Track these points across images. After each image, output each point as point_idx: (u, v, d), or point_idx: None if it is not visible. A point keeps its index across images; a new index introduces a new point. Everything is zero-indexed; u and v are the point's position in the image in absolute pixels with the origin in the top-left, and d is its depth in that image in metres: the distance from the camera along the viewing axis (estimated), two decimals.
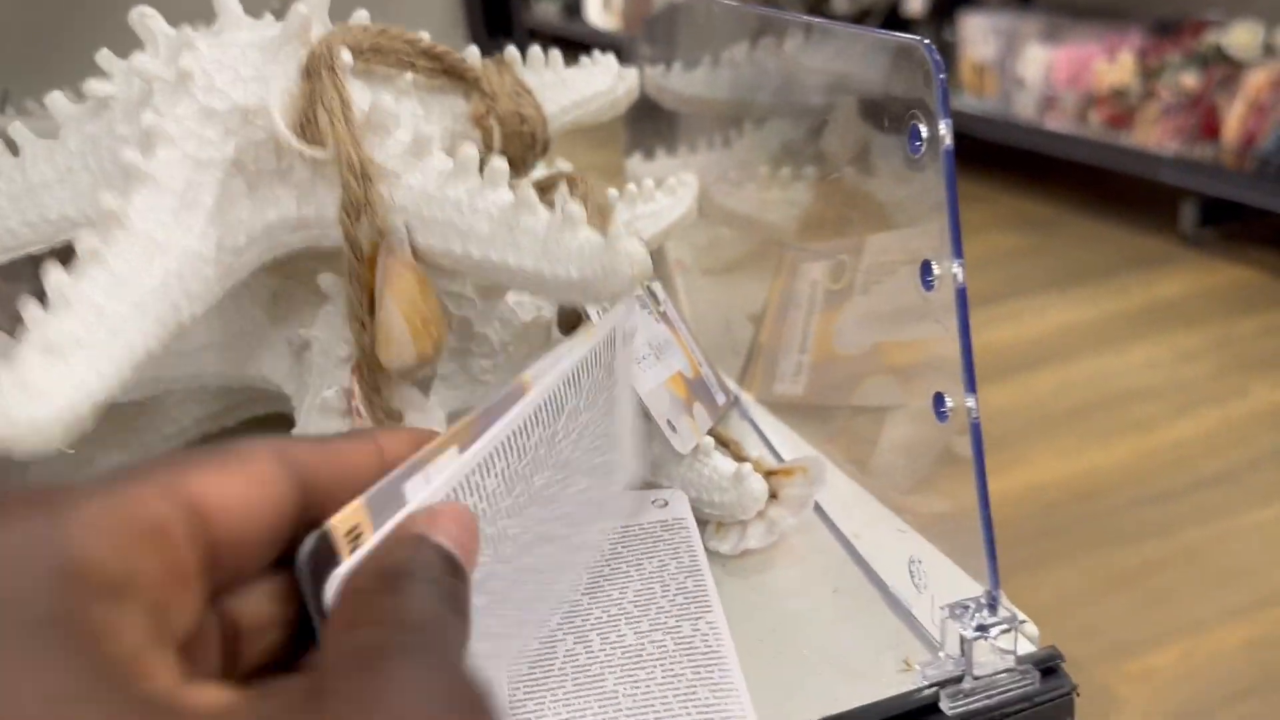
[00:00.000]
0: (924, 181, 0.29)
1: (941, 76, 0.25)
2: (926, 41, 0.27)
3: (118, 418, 0.38)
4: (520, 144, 0.35)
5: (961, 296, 0.26)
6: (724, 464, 0.33)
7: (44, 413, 0.25)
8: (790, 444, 0.40)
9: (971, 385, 0.26)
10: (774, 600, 0.31)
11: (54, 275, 0.27)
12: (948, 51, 2.68)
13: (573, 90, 0.39)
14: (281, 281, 0.35)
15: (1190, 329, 1.87)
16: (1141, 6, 2.36)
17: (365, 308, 0.31)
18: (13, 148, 0.34)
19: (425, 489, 0.21)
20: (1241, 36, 2.05)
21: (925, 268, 0.27)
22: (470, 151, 0.30)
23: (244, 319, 0.36)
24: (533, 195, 0.30)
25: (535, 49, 0.39)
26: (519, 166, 0.35)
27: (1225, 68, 2.07)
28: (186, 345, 0.35)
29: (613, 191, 0.42)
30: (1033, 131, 2.39)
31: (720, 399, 0.38)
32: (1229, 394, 1.66)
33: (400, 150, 0.31)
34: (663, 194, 0.42)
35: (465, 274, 0.32)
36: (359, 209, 0.30)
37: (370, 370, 0.32)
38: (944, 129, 0.26)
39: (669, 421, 0.31)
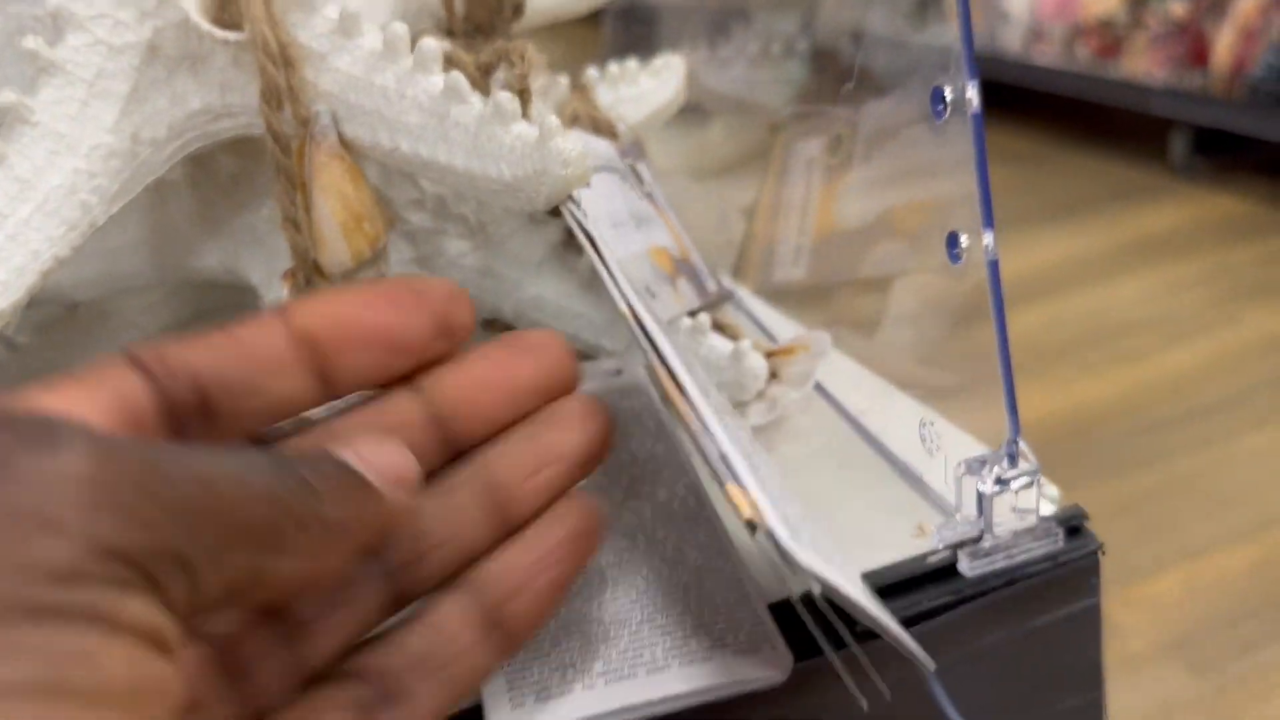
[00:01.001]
0: (928, 41, 0.26)
1: None
2: None
3: (78, 323, 0.36)
4: (485, 6, 0.32)
5: (977, 123, 0.24)
6: (720, 343, 0.31)
7: None
8: (790, 332, 0.38)
9: (989, 220, 0.24)
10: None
11: None
12: None
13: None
14: (240, 162, 0.32)
15: (1182, 260, 1.85)
16: None
17: (300, 206, 0.28)
18: None
19: None
20: None
21: (936, 94, 0.24)
22: (398, 28, 0.27)
23: (181, 209, 0.33)
24: (463, 82, 0.27)
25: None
26: (487, 33, 0.33)
27: None
28: (110, 243, 0.32)
29: (593, 70, 0.39)
30: (1019, 66, 2.36)
31: (711, 286, 0.35)
32: (1222, 323, 1.64)
33: (327, 28, 0.28)
34: (647, 75, 0.40)
35: (399, 169, 0.29)
36: (279, 96, 0.27)
37: (307, 278, 0.29)
38: (971, 89, 0.24)
39: (647, 287, 0.29)
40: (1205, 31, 2.03)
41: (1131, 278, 1.80)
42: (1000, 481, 0.25)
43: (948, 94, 0.24)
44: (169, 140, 0.29)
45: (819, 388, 0.34)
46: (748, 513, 0.19)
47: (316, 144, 0.28)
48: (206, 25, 0.28)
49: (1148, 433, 1.40)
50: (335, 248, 0.28)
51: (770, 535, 0.18)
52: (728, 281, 0.40)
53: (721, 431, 0.20)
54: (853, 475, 0.30)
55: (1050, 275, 1.84)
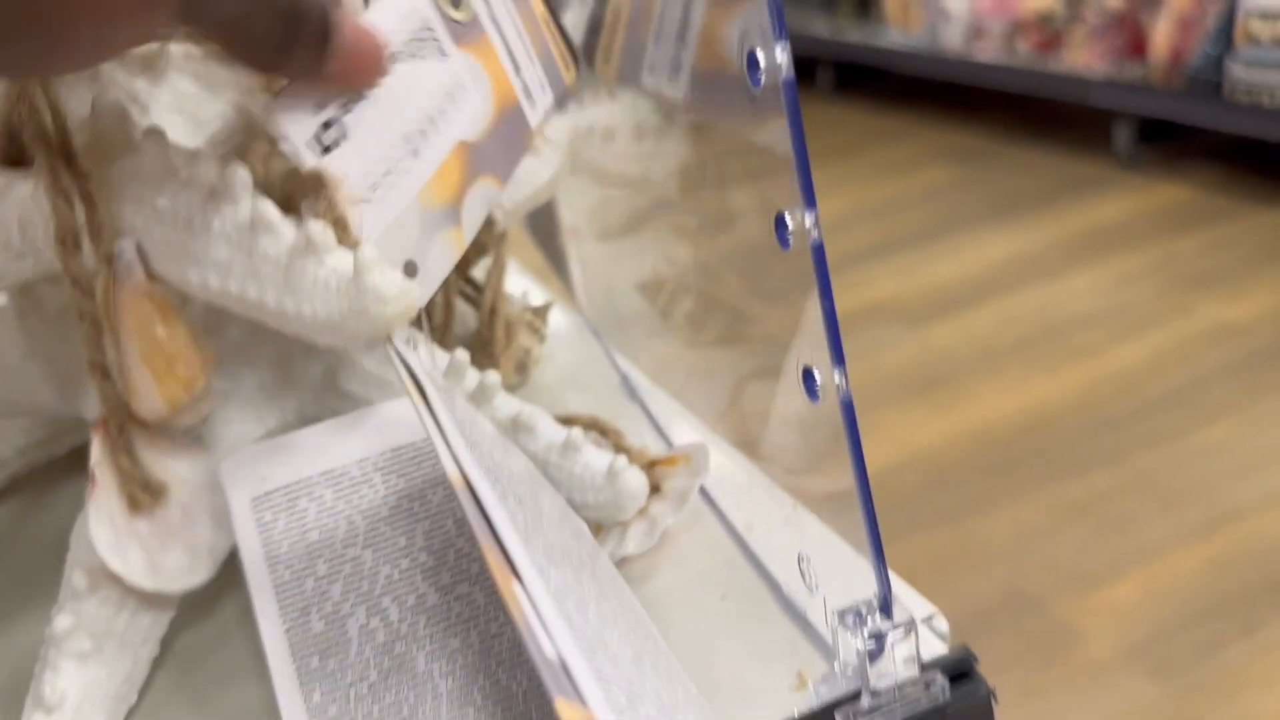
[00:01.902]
0: (769, 118, 0.23)
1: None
2: None
3: None
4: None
5: (818, 254, 0.21)
6: (596, 459, 0.28)
7: None
8: (679, 425, 0.34)
9: (839, 357, 0.21)
10: (657, 615, 0.26)
11: None
12: None
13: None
14: (64, 294, 0.29)
15: (1130, 252, 1.84)
16: None
17: (110, 349, 0.25)
18: None
19: None
20: None
21: (779, 221, 0.21)
22: (199, 152, 0.24)
23: (10, 342, 0.29)
24: (271, 210, 0.23)
25: None
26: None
27: None
28: None
29: None
30: (960, 63, 2.35)
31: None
32: (1172, 314, 1.63)
33: (135, 166, 0.25)
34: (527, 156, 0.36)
35: (213, 304, 0.26)
36: (75, 235, 0.24)
37: (121, 428, 0.25)
38: (780, 54, 0.21)
39: (407, 263, 0.24)
40: (1143, 23, 2.03)
41: (1081, 271, 1.79)
42: (876, 636, 0.22)
43: (761, 59, 0.22)
44: None
45: (704, 493, 0.31)
46: None
47: (120, 283, 0.24)
48: None
49: (1102, 431, 1.39)
50: (147, 395, 0.25)
51: None
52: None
53: (564, 629, 0.17)
54: (735, 608, 0.28)
55: (1000, 273, 1.82)
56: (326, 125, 0.23)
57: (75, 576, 0.26)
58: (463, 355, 0.29)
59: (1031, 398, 1.48)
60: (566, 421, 0.30)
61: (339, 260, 0.22)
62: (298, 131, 0.23)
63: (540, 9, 0.30)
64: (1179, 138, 2.14)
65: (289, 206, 0.24)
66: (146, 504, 0.26)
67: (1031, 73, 2.22)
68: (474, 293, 0.40)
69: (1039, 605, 1.13)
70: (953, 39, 2.36)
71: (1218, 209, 1.95)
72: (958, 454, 1.38)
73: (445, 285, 0.36)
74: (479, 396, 0.29)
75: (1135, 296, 1.70)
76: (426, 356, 0.25)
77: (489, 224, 0.37)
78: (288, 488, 0.26)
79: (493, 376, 0.29)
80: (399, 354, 0.22)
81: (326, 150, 0.23)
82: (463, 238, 0.26)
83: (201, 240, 0.24)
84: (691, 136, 0.33)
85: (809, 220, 0.22)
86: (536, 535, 0.20)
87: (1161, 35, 1.98)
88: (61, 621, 0.25)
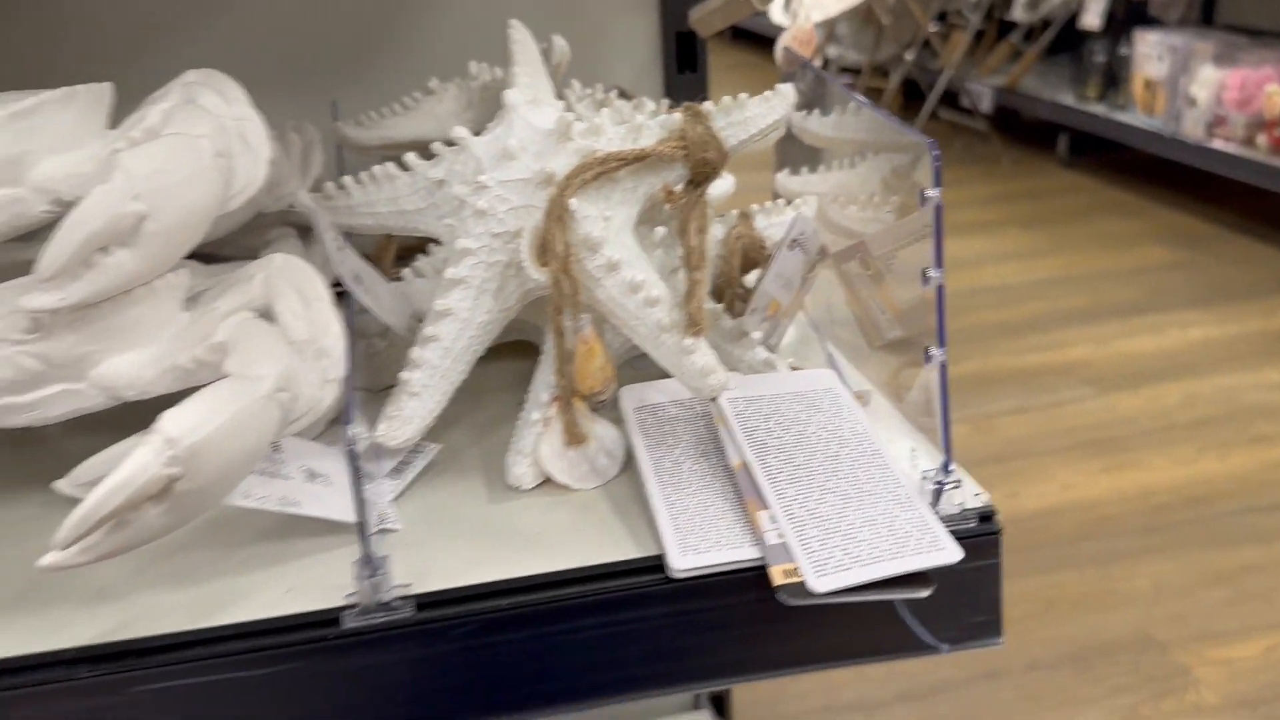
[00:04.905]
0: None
1: (937, 164, 0.43)
2: (930, 140, 0.44)
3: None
4: (703, 173, 0.52)
5: (940, 293, 0.44)
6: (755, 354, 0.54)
7: (406, 432, 0.49)
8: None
9: (942, 341, 0.43)
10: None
11: (414, 352, 0.50)
12: (1122, 66, 2.72)
13: (752, 126, 0.53)
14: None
15: None
16: None
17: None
18: (401, 165, 0.54)
19: None
20: None
21: (923, 274, 0.44)
22: (654, 290, 0.49)
23: None
24: (677, 338, 0.48)
25: (726, 98, 0.55)
26: (701, 184, 0.53)
27: None
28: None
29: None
30: (1198, 149, 2.43)
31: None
32: None
33: (598, 266, 0.49)
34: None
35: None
36: (562, 306, 0.49)
37: (568, 399, 0.51)
38: (933, 194, 0.43)
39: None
40: None
41: (1274, 365, 1.87)
42: (938, 484, 0.44)
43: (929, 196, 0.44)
44: (493, 322, 0.52)
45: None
46: (780, 580, 0.40)
47: (581, 333, 0.50)
48: (529, 263, 0.49)
49: (1259, 512, 1.50)
50: (583, 384, 0.50)
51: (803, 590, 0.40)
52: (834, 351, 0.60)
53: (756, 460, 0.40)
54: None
55: (1195, 354, 1.93)
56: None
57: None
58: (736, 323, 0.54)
59: (1199, 472, 1.60)
60: None
61: (701, 359, 0.47)
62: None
63: None
64: None
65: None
66: (575, 443, 0.51)
67: (1267, 167, 2.28)
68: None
69: (1162, 649, 1.28)
70: (1194, 126, 2.44)
71: None
72: (1116, 510, 1.53)
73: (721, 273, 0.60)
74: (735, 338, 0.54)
75: None
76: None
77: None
78: (655, 405, 0.51)
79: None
80: (718, 407, 0.47)
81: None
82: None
83: (632, 323, 0.48)
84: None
85: (938, 274, 0.44)
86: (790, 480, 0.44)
87: None
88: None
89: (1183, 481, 1.58)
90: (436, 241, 0.62)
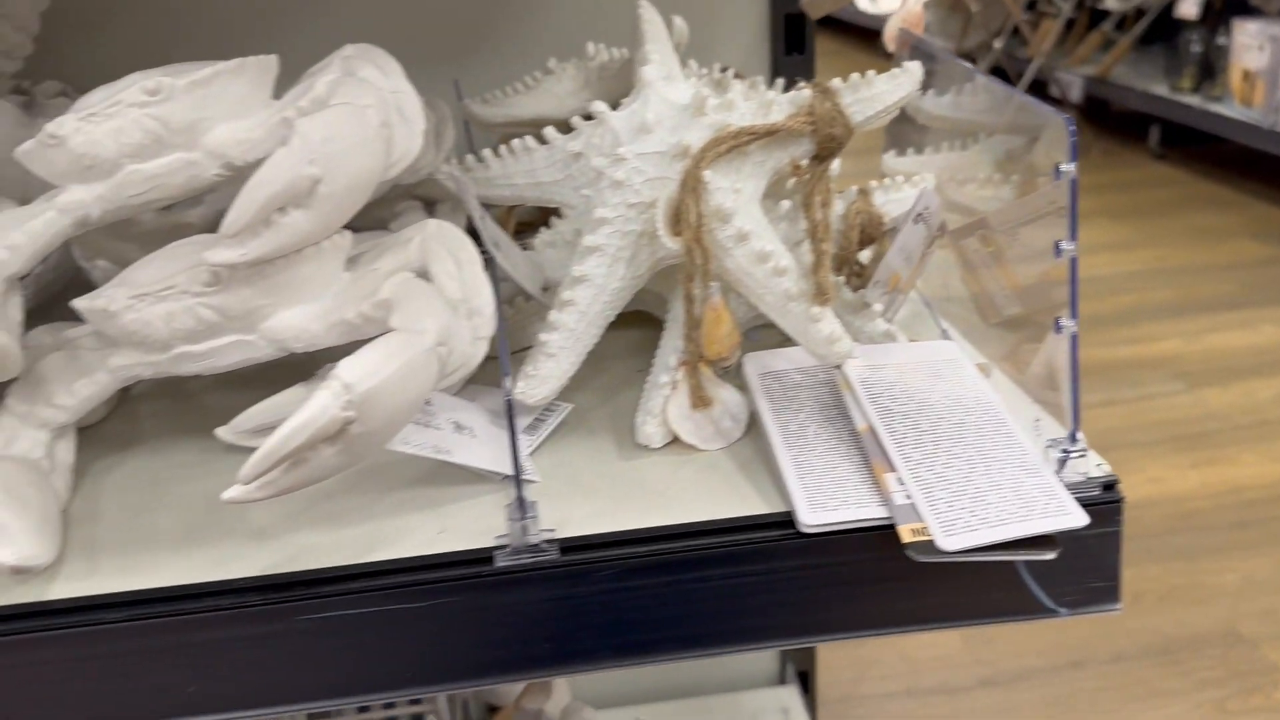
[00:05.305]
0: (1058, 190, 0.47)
1: (1073, 139, 0.44)
2: (1068, 117, 0.45)
3: None
4: (829, 148, 0.54)
5: (1073, 265, 0.45)
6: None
7: (543, 391, 0.52)
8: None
9: (1074, 312, 0.44)
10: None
11: (552, 315, 0.52)
12: (1219, 56, 2.66)
13: (878, 103, 0.54)
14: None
15: None
16: None
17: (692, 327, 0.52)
18: (538, 138, 0.57)
19: None
20: None
21: (1056, 247, 0.45)
22: (782, 261, 0.51)
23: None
24: (804, 306, 0.50)
25: (855, 75, 0.56)
26: (826, 159, 0.55)
27: None
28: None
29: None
30: None
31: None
32: None
33: (728, 236, 0.51)
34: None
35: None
36: (694, 275, 0.51)
37: (695, 364, 0.53)
38: (1069, 168, 0.44)
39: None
40: None
41: None
42: (1064, 453, 0.46)
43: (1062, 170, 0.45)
44: (625, 288, 0.54)
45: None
46: (909, 538, 0.42)
47: (709, 301, 0.52)
48: (664, 233, 0.52)
49: None
50: (709, 349, 0.52)
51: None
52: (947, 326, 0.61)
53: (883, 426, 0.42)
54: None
55: None
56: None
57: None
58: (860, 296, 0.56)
59: None
60: None
61: (827, 326, 0.50)
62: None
63: None
64: None
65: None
66: (701, 406, 0.53)
67: None
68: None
69: (1251, 645, 1.27)
70: None
71: None
72: (1205, 505, 1.51)
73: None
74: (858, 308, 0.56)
75: None
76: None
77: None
78: (779, 372, 0.54)
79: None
80: (843, 373, 0.49)
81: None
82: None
83: (759, 290, 0.50)
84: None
85: (1072, 246, 0.45)
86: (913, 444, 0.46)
87: None
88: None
89: (1274, 478, 1.56)
90: (557, 214, 0.65)
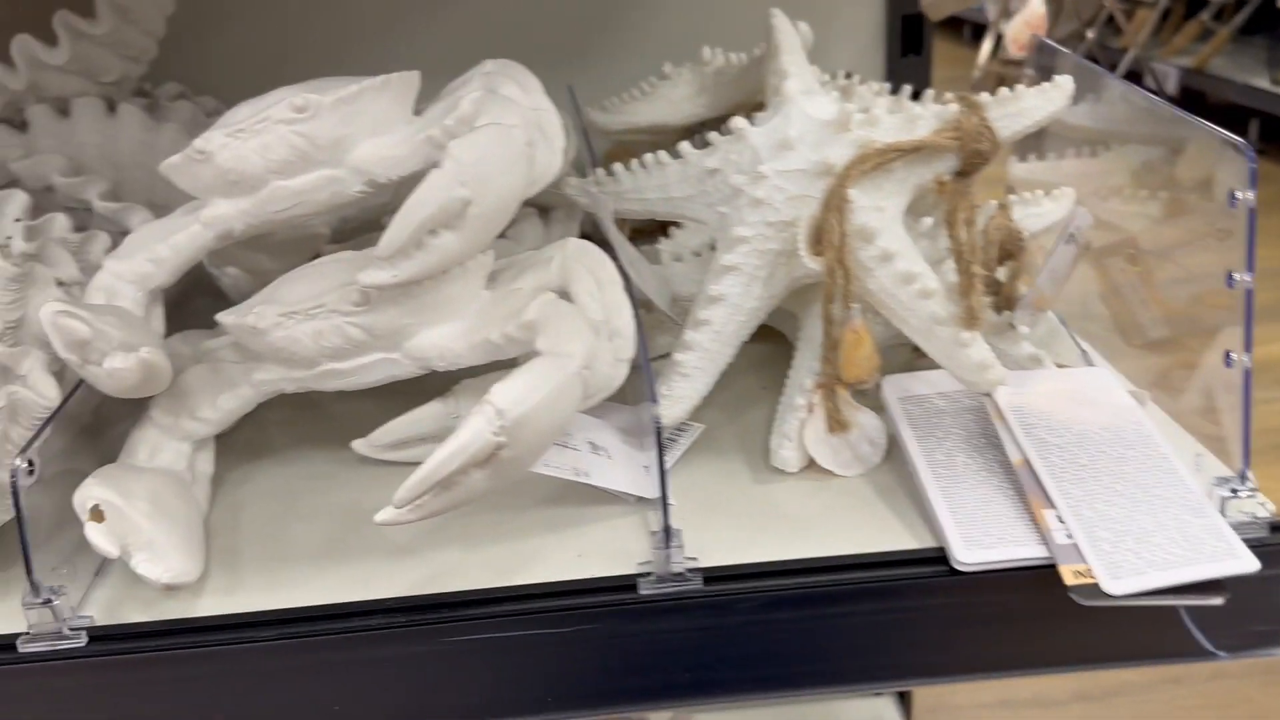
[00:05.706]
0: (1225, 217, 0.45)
1: (1252, 166, 0.42)
2: (1243, 142, 0.43)
3: None
4: (973, 164, 0.52)
5: (1248, 299, 0.43)
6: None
7: (677, 411, 0.52)
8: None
9: (1248, 345, 0.42)
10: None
11: (687, 335, 0.52)
12: None
13: (1027, 118, 0.52)
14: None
15: None
16: None
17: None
18: (672, 153, 0.56)
19: None
20: None
21: (1229, 277, 0.43)
22: (929, 282, 0.49)
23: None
24: (952, 331, 0.48)
25: (1004, 90, 0.54)
26: (969, 174, 0.53)
27: None
28: None
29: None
30: None
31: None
32: None
33: (871, 256, 0.49)
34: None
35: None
36: (835, 296, 0.50)
37: (832, 387, 0.52)
38: (1247, 197, 0.42)
39: None
40: None
41: None
42: (1233, 488, 0.44)
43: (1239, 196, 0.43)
44: (761, 309, 0.53)
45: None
46: (1071, 580, 0.40)
47: (851, 323, 0.50)
48: (805, 253, 0.50)
49: None
50: (848, 373, 0.51)
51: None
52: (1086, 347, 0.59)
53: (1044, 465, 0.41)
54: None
55: None
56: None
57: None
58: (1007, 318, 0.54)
59: None
60: None
61: (976, 354, 0.48)
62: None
63: None
64: None
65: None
66: (839, 430, 0.52)
67: None
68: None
69: None
70: None
71: None
72: None
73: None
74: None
75: None
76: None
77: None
78: (920, 396, 0.52)
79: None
80: (994, 402, 0.48)
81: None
82: None
83: (903, 314, 0.49)
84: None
85: (1249, 278, 0.44)
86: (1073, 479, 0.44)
87: None
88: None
89: None
90: (677, 225, 0.64)
